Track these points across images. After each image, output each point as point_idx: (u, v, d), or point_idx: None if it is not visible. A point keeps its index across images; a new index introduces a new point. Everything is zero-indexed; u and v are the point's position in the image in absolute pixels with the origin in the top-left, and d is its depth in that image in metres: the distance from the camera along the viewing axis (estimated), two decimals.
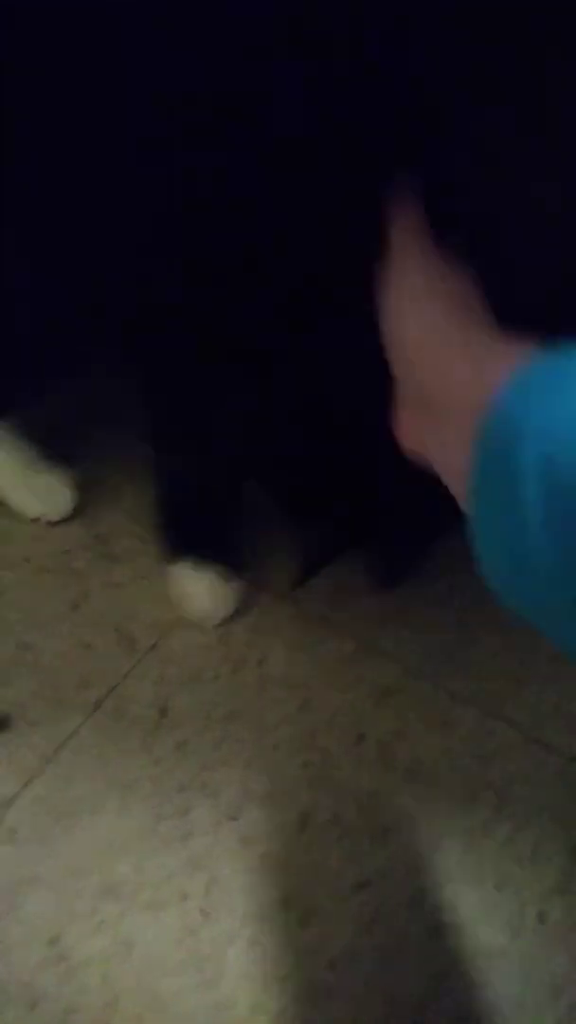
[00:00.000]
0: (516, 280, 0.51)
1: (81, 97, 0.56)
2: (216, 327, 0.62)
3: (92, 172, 0.57)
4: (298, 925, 0.63)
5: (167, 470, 0.76)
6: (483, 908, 0.64)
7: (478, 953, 0.63)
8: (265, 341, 0.61)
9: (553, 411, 0.35)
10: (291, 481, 0.72)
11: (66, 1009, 0.59)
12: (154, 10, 0.53)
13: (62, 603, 0.82)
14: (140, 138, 0.56)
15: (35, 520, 0.87)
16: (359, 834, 0.68)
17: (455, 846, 0.67)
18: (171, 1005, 0.60)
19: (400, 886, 0.65)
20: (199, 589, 0.78)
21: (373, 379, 0.51)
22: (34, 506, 0.86)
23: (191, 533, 0.79)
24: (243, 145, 0.55)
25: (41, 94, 0.57)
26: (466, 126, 0.51)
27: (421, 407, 0.45)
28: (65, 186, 0.58)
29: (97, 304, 0.64)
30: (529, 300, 0.50)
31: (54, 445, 0.87)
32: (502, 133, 0.50)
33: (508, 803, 0.70)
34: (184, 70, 0.55)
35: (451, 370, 0.43)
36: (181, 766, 0.71)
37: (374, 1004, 0.61)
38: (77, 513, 0.88)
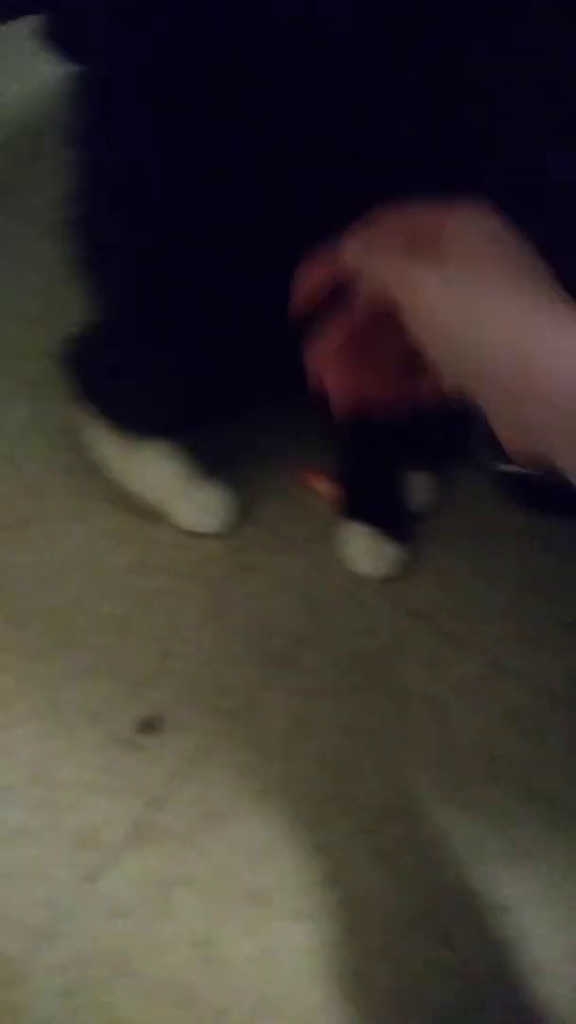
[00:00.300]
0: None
1: None
2: None
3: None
4: (440, 944, 0.65)
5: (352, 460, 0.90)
6: None
7: None
8: None
9: None
10: None
11: (218, 1010, 0.61)
12: None
13: (201, 612, 0.85)
14: None
15: (190, 532, 0.90)
16: (497, 856, 0.69)
17: None
18: (315, 1016, 0.62)
19: (539, 910, 0.66)
20: (367, 547, 0.86)
21: None
22: (192, 518, 0.89)
23: (365, 503, 0.89)
24: None
25: None
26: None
27: (516, 416, 0.40)
28: None
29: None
30: None
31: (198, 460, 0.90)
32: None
33: None
34: None
35: (531, 354, 0.39)
36: (320, 777, 0.73)
37: None
38: None
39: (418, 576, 0.86)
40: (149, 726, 0.77)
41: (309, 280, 0.50)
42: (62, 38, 1.04)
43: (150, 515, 0.93)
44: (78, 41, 1.04)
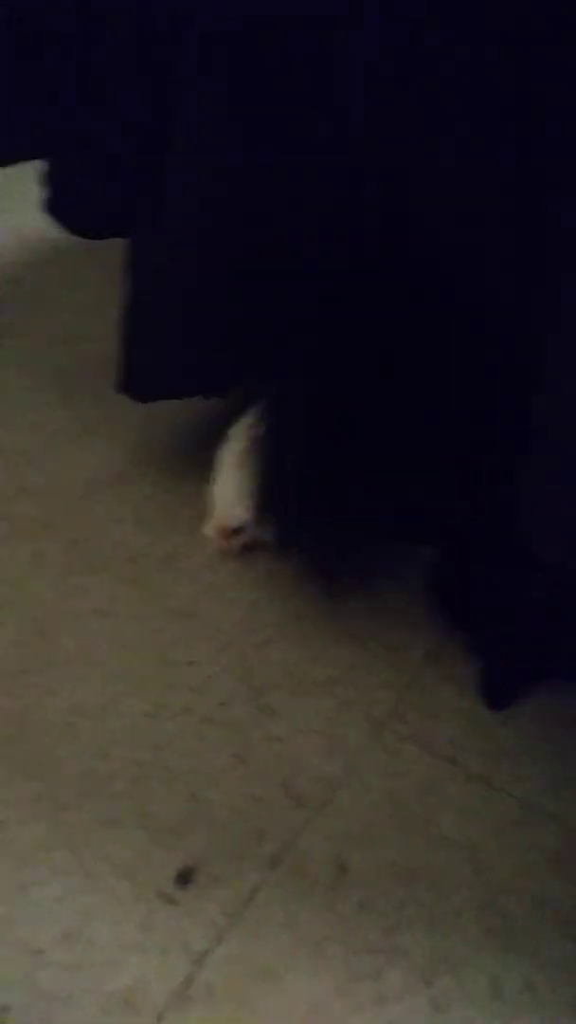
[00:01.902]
0: None
1: None
2: None
3: None
4: None
5: None
6: None
7: None
8: None
9: None
10: None
11: None
12: None
13: (227, 755, 0.85)
14: None
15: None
16: (555, 1004, 0.68)
17: None
18: None
19: None
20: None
21: None
22: None
23: None
24: None
25: None
26: None
27: None
28: None
29: None
30: None
31: None
32: None
33: None
34: None
35: None
36: (367, 926, 0.72)
37: None
38: (233, 665, 0.92)
39: (443, 718, 0.88)
40: (185, 878, 0.75)
41: None
42: (61, 214, 1.11)
43: (165, 658, 0.93)
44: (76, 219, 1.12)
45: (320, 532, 1.04)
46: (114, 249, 1.07)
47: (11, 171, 1.13)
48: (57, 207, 1.09)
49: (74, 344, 1.34)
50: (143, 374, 1.11)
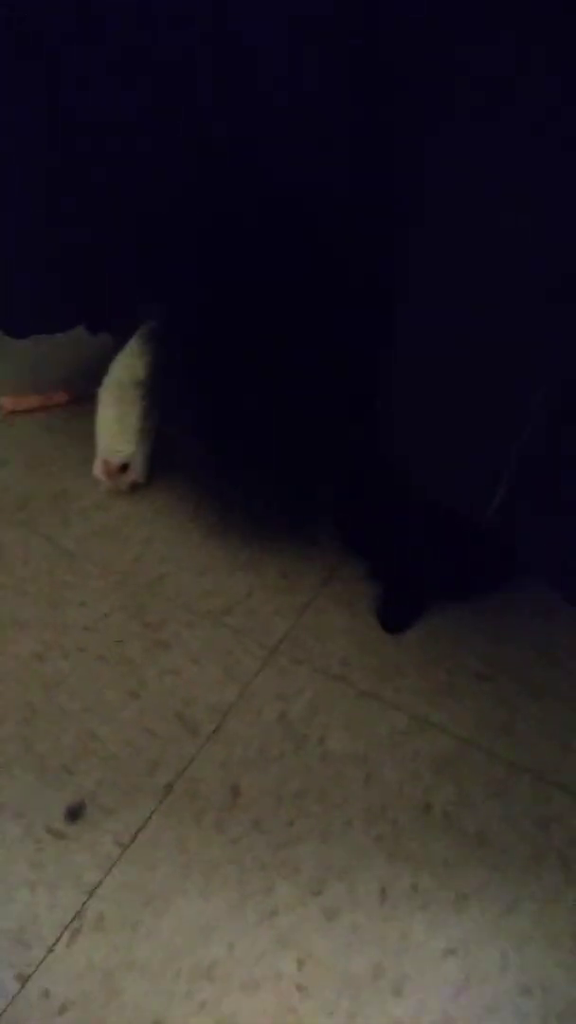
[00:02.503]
0: None
1: None
2: None
3: None
4: (393, 994, 0.65)
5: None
6: (566, 966, 0.67)
7: (570, 1011, 0.65)
8: None
9: None
10: None
11: None
12: None
13: (121, 692, 0.84)
14: None
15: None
16: (439, 902, 0.70)
17: (530, 908, 0.70)
18: None
19: (486, 950, 0.67)
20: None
21: None
22: None
23: None
24: None
25: None
26: None
27: None
28: None
29: None
30: None
31: None
32: None
33: (573, 865, 0.73)
34: None
35: None
36: (258, 845, 0.73)
37: None
38: (127, 603, 0.92)
39: (335, 640, 0.89)
40: (76, 813, 0.75)
41: None
42: None
43: (56, 599, 0.92)
44: None
45: (213, 467, 1.03)
46: None
47: None
48: None
49: None
50: (8, 309, 1.08)
